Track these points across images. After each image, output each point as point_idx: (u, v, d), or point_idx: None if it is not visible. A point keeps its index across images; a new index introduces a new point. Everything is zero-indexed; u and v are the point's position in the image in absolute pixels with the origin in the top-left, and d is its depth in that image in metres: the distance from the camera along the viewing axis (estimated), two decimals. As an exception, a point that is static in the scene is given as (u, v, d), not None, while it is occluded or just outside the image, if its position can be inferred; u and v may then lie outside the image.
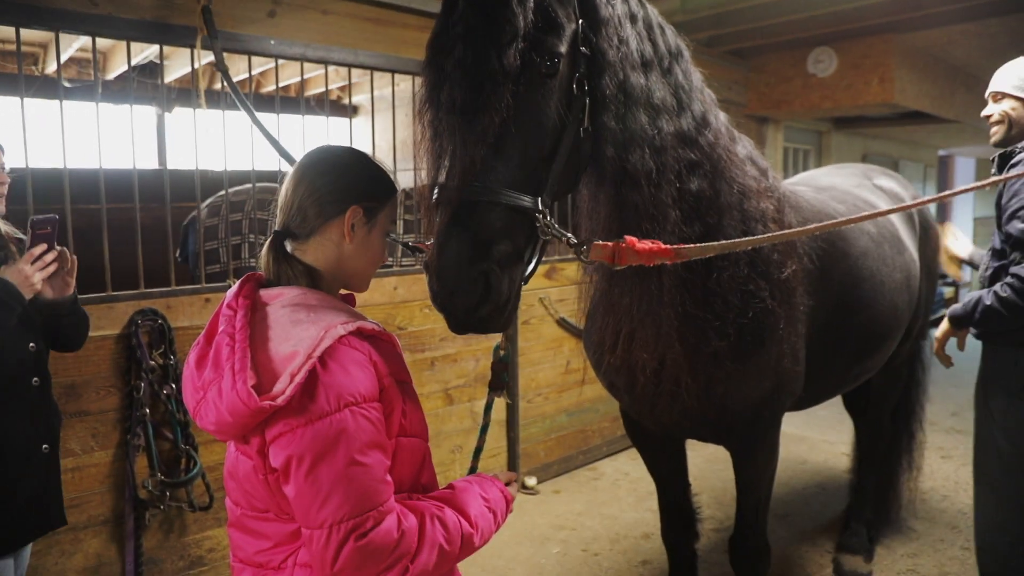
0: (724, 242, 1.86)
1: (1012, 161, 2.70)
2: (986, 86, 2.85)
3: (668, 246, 1.71)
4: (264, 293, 1.45)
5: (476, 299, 1.51)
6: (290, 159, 3.37)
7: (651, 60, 1.89)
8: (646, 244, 1.69)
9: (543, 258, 1.72)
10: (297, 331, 1.34)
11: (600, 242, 1.72)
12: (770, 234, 2.07)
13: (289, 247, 1.50)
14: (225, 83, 3.36)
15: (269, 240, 1.51)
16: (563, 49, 1.63)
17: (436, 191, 1.56)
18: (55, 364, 3.00)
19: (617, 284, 2.03)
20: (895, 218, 3.38)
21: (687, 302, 2.06)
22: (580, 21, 1.71)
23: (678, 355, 2.12)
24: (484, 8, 1.53)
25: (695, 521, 2.89)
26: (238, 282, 1.48)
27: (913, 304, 3.32)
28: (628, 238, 1.69)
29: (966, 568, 3.73)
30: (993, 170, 2.80)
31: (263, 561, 1.45)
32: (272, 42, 3.68)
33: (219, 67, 3.33)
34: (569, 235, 1.66)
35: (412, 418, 1.49)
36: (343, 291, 1.59)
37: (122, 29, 3.22)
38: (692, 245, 1.77)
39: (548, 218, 1.60)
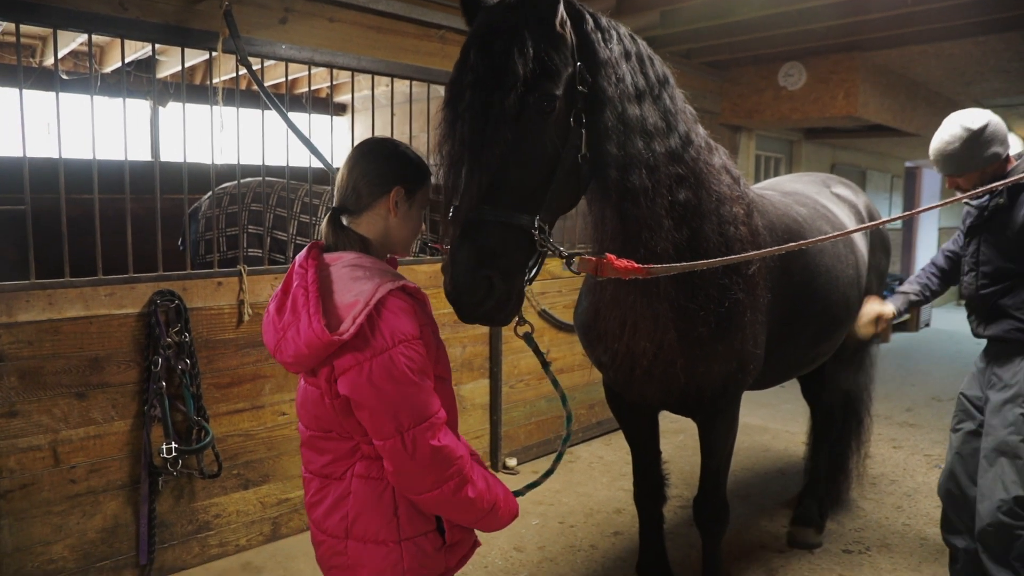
0: (685, 263, 2.18)
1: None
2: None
3: (640, 265, 2.02)
4: (327, 256, 1.80)
5: (481, 298, 1.83)
6: (315, 151, 3.67)
7: (644, 91, 2.20)
8: (623, 262, 2.01)
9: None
10: (356, 285, 1.69)
11: (586, 256, 2.04)
12: (731, 256, 2.32)
13: (345, 221, 1.84)
14: (251, 82, 3.64)
15: (328, 215, 1.86)
16: (559, 92, 1.92)
17: (452, 210, 1.88)
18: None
19: (623, 282, 2.33)
20: (848, 221, 3.76)
21: (680, 296, 2.42)
22: (578, 64, 2.00)
23: (672, 340, 2.47)
24: (490, 59, 1.84)
25: (664, 485, 3.22)
26: (306, 247, 1.83)
27: (863, 298, 3.69)
28: (608, 255, 2.01)
29: (905, 540, 4.12)
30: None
31: (328, 472, 1.81)
32: (283, 47, 3.97)
33: (243, 62, 3.62)
34: (561, 249, 1.97)
35: (443, 363, 1.85)
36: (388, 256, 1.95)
37: (148, 32, 3.50)
38: (660, 266, 2.08)
39: (544, 233, 1.91)
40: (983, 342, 3.18)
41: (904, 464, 5.43)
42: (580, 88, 2.01)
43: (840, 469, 4.43)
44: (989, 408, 3.03)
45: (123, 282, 3.43)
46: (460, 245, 1.82)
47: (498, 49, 1.84)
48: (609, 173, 2.12)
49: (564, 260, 2.02)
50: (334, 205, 1.88)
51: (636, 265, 2.01)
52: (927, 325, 12.24)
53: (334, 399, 1.70)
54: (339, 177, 1.88)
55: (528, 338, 2.11)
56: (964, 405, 3.20)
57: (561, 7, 1.94)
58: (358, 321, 1.63)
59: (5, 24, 4.03)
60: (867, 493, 4.80)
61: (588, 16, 2.11)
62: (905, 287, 3.48)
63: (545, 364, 2.20)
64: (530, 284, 1.99)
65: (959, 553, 3.20)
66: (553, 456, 5.44)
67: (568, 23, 1.99)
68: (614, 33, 2.16)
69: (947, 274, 3.42)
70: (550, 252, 1.95)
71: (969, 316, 3.20)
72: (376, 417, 1.65)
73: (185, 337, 3.58)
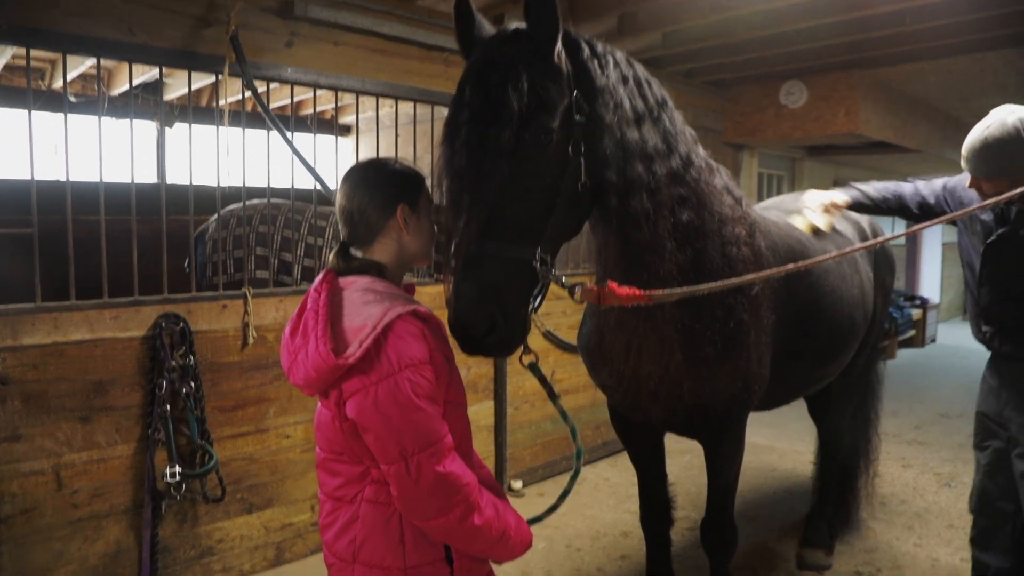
0: (686, 288, 2.15)
1: None
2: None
3: (642, 291, 2.00)
4: (342, 280, 1.82)
5: (484, 332, 1.83)
6: (317, 177, 3.69)
7: (643, 113, 2.18)
8: (625, 289, 2.00)
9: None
10: (366, 309, 1.70)
11: (588, 285, 2.02)
12: (732, 279, 2.28)
13: (360, 253, 1.86)
14: (257, 104, 3.68)
15: (336, 249, 1.88)
16: (555, 124, 1.91)
17: (453, 246, 1.88)
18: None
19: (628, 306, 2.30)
20: (853, 239, 3.74)
21: (685, 317, 2.41)
22: (575, 93, 1.99)
23: (679, 362, 2.45)
24: (486, 95, 1.84)
25: (670, 507, 3.19)
26: (322, 272, 1.85)
27: (868, 317, 3.67)
28: (610, 283, 1.99)
29: (917, 562, 4.07)
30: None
31: (340, 495, 1.81)
32: (289, 70, 4.00)
33: (249, 87, 3.66)
34: (563, 279, 1.96)
35: (456, 388, 1.84)
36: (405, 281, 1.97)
37: (156, 57, 3.53)
38: (661, 291, 2.05)
39: (546, 265, 1.90)
40: (987, 356, 3.06)
41: (914, 483, 5.38)
42: (577, 117, 1.99)
43: (849, 489, 4.38)
44: (1016, 428, 2.89)
45: (128, 305, 3.43)
46: (462, 280, 1.82)
47: (493, 84, 1.84)
48: (610, 200, 2.11)
49: (568, 291, 2.01)
50: (344, 239, 1.89)
51: (638, 292, 2.00)
52: (933, 341, 12.19)
53: (343, 422, 1.71)
54: (339, 209, 1.88)
55: (534, 368, 2.09)
56: (985, 424, 3.07)
57: (560, 40, 1.94)
58: (364, 345, 1.63)
59: (16, 48, 4.07)
60: (877, 513, 4.75)
61: (584, 44, 2.10)
62: (864, 187, 3.40)
63: (553, 396, 2.16)
64: (535, 313, 1.99)
65: (988, 571, 3.13)
66: (559, 477, 5.44)
67: (563, 53, 1.98)
68: (610, 59, 2.15)
69: (906, 209, 3.27)
70: (553, 281, 1.95)
71: (981, 327, 2.98)
72: (381, 441, 1.65)
73: (190, 360, 3.57)
